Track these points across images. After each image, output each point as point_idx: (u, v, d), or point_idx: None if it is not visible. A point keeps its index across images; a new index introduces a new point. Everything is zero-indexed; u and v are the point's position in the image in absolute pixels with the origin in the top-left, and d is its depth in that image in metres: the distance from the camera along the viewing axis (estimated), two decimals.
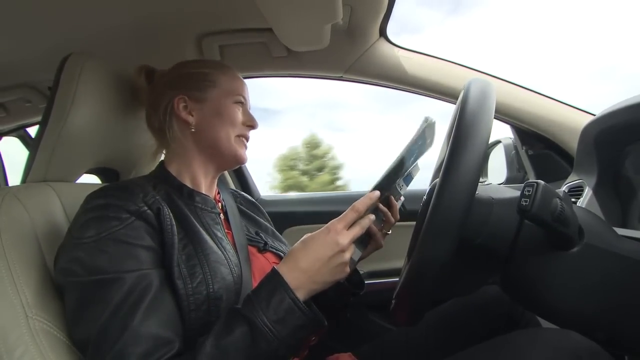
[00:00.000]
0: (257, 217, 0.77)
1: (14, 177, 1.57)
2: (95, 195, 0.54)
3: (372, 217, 0.55)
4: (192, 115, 0.66)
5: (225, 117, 0.66)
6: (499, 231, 0.48)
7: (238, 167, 1.33)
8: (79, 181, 0.70)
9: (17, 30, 0.83)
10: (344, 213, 0.53)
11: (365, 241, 0.62)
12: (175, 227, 0.54)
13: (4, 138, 1.46)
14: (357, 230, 0.52)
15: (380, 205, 0.62)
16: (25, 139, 1.45)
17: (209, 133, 0.66)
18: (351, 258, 0.56)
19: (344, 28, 0.90)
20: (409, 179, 0.67)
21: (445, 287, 0.48)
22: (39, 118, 1.05)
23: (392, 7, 0.87)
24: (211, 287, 0.53)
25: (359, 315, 1.17)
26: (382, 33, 0.96)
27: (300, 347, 0.52)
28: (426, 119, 0.59)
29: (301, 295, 0.49)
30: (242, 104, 0.69)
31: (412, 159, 0.62)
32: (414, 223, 0.65)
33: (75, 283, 0.49)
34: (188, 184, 0.65)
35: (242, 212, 0.75)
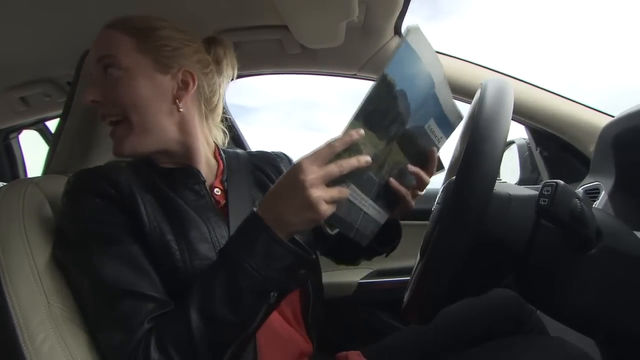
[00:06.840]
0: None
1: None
2: (71, 180, 0.55)
3: (367, 158, 0.47)
4: None
5: None
6: (515, 229, 0.47)
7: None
8: None
9: (36, 27, 0.84)
10: (317, 147, 0.46)
11: (391, 202, 0.56)
12: (148, 207, 0.53)
13: (24, 131, 1.51)
14: (331, 168, 0.45)
15: (410, 166, 0.55)
16: (45, 132, 1.49)
17: None
18: (373, 219, 0.52)
19: (359, 26, 0.90)
20: (444, 123, 0.57)
21: (459, 287, 0.48)
22: (58, 112, 1.08)
23: (408, 5, 0.87)
24: (188, 264, 0.52)
25: (368, 314, 1.17)
26: (397, 31, 0.96)
27: (290, 281, 0.49)
28: (408, 28, 0.46)
29: (281, 235, 0.46)
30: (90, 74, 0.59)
31: (412, 83, 0.49)
32: (425, 222, 0.65)
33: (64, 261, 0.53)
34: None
35: (260, 185, 0.69)
